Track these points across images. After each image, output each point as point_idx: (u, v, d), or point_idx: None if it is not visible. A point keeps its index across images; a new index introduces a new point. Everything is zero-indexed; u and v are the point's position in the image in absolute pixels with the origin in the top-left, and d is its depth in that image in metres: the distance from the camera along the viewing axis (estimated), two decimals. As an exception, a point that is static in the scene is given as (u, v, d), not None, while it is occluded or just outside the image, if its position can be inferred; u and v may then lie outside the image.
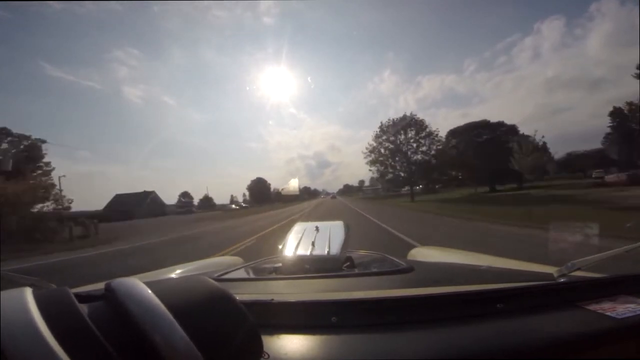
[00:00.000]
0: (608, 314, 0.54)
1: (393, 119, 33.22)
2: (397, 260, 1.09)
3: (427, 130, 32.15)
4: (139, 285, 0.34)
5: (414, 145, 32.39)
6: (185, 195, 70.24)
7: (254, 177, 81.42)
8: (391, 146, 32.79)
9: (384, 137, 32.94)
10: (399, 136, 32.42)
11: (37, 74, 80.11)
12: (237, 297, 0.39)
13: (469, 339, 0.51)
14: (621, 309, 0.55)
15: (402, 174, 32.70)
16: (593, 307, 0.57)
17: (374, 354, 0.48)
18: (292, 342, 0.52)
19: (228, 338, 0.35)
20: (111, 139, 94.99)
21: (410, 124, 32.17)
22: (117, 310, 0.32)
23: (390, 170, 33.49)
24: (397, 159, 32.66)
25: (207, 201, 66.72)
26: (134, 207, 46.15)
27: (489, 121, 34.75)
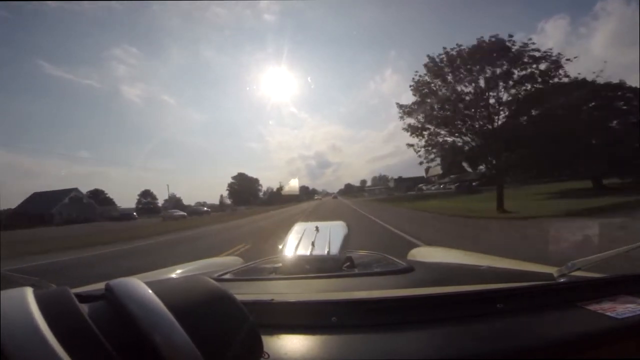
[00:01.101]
0: (608, 314, 0.54)
1: (458, 47, 12.52)
2: (397, 260, 1.10)
3: (545, 63, 11.87)
4: (140, 285, 0.34)
5: (509, 92, 12.47)
6: (146, 194, 56.77)
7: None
8: (458, 95, 12.99)
9: (440, 82, 13.34)
10: (475, 78, 12.61)
11: (34, 73, 79.26)
12: (237, 297, 0.39)
13: (469, 339, 0.51)
14: (621, 309, 0.55)
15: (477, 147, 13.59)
16: (593, 307, 0.57)
17: (374, 354, 0.48)
18: (292, 342, 0.52)
19: (228, 338, 0.35)
20: (110, 139, 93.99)
21: (501, 52, 12.09)
22: (117, 310, 0.32)
23: (461, 140, 13.90)
24: (468, 122, 13.12)
25: (173, 202, 54.06)
26: (50, 209, 36.29)
27: (592, 82, 14.51)
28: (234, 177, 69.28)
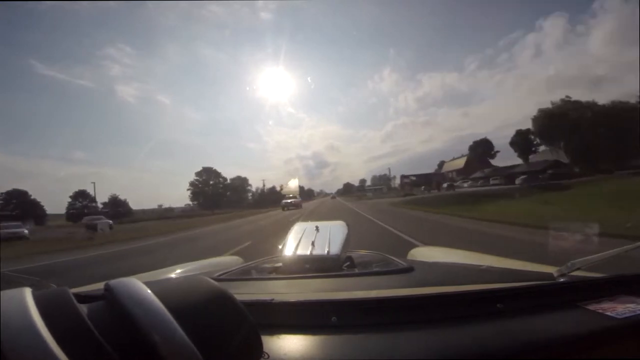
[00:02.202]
0: (608, 314, 0.54)
1: None
2: (397, 260, 1.10)
3: None
4: (139, 286, 0.34)
5: None
6: (80, 196, 43.56)
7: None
8: None
9: None
10: None
11: (27, 73, 77.60)
12: (237, 297, 0.39)
13: (469, 339, 0.51)
14: (621, 309, 0.55)
15: None
16: (593, 307, 0.57)
17: (374, 354, 0.48)
18: (292, 342, 0.52)
19: (228, 338, 0.35)
20: (106, 140, 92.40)
21: None
22: (116, 310, 0.32)
23: None
24: None
25: (117, 207, 44.15)
26: None
27: None
28: (197, 174, 53.51)
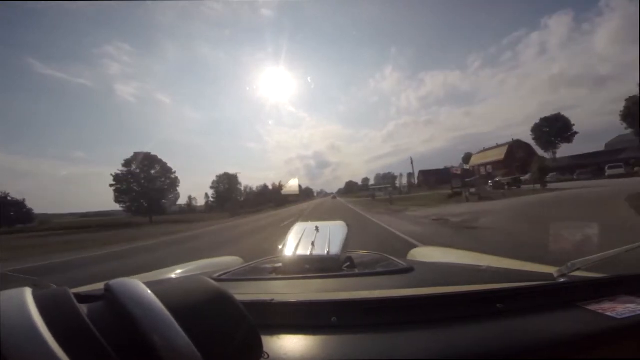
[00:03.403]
0: (608, 314, 0.54)
1: None
2: (397, 260, 1.10)
3: None
4: (139, 286, 0.34)
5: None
6: None
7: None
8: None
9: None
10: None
11: (25, 72, 78.05)
12: (237, 297, 0.39)
13: (469, 339, 0.51)
14: (621, 309, 0.55)
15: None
16: (593, 307, 0.57)
17: (374, 354, 0.48)
18: (292, 342, 0.52)
19: (228, 338, 0.35)
20: (106, 139, 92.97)
21: None
22: (116, 310, 0.32)
23: None
24: None
25: (6, 209, 32.22)
26: None
27: None
28: (126, 163, 35.21)
